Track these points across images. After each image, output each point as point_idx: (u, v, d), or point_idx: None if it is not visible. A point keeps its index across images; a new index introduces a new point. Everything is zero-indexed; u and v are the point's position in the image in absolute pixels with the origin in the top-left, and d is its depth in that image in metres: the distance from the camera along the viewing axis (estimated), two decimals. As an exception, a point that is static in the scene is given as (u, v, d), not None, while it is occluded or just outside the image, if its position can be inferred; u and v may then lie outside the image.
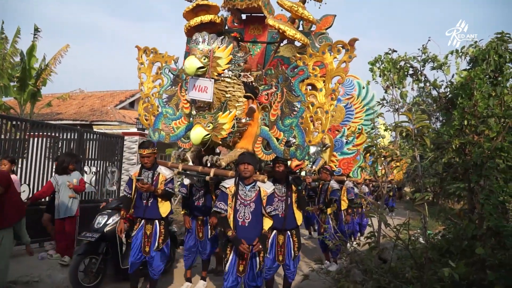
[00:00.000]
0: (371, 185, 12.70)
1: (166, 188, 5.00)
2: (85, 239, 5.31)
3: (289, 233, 5.18)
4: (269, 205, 4.25)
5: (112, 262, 5.49)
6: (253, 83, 4.79)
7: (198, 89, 4.25)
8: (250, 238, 4.10)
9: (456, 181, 4.01)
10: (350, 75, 9.51)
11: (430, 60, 4.07)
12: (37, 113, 17.76)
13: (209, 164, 4.64)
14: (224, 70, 4.29)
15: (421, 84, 4.26)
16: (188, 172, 5.04)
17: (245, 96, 4.60)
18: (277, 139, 4.52)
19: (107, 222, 5.49)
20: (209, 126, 4.29)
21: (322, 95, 4.29)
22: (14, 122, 8.08)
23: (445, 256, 3.37)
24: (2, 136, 7.62)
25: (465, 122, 3.47)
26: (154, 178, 5.01)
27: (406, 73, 4.16)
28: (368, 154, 3.65)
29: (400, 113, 3.68)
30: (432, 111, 5.23)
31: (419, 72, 4.14)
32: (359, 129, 9.01)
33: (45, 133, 8.36)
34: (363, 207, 10.19)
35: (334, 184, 8.02)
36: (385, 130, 4.30)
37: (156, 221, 4.99)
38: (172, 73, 5.27)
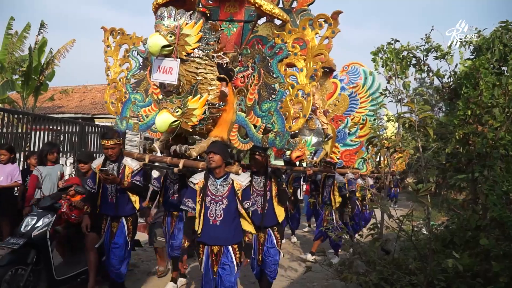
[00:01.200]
0: (372, 177, 12.68)
1: (133, 181, 4.58)
2: (8, 246, 4.22)
3: (270, 230, 4.72)
4: (246, 200, 3.81)
5: (44, 273, 4.45)
6: (228, 65, 4.31)
7: (163, 70, 3.87)
8: (223, 238, 3.70)
9: (459, 172, 3.98)
10: (355, 62, 9.25)
11: (433, 49, 4.03)
12: (39, 107, 17.80)
13: (186, 153, 4.21)
14: (193, 49, 3.90)
15: (424, 75, 4.22)
16: (156, 164, 4.63)
17: (218, 79, 4.13)
18: (255, 126, 4.10)
19: (36, 225, 4.46)
20: (177, 112, 3.86)
21: (303, 76, 3.85)
22: (16, 116, 8.09)
23: (448, 247, 3.36)
24: (5, 130, 7.64)
25: (469, 112, 3.44)
26: (120, 171, 4.60)
27: (409, 63, 4.12)
28: (371, 145, 3.63)
29: (403, 103, 3.65)
30: (434, 101, 5.20)
31: (422, 62, 4.10)
32: (363, 119, 8.72)
33: (47, 127, 8.37)
34: (366, 199, 10.10)
35: (339, 178, 7.98)
36: (388, 120, 4.26)
37: (123, 218, 4.61)
38: (140, 56, 4.81)
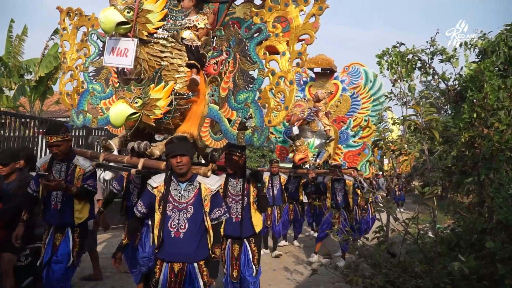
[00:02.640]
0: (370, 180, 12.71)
1: (85, 185, 3.89)
2: None
3: (246, 242, 4.16)
4: (216, 208, 3.25)
5: None
6: (200, 49, 3.68)
7: (117, 52, 3.31)
8: (187, 254, 3.09)
9: (465, 175, 3.98)
10: (356, 63, 9.21)
11: (438, 52, 4.04)
12: (46, 111, 17.92)
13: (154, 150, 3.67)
14: (157, 28, 3.36)
15: (429, 77, 4.23)
16: (110, 164, 3.99)
17: (188, 65, 3.57)
18: (229, 120, 3.51)
19: None
20: (136, 102, 3.29)
21: (285, 61, 3.30)
22: (23, 120, 8.16)
23: (454, 250, 3.35)
24: (12, 134, 7.71)
25: (474, 115, 3.44)
26: (69, 172, 3.90)
27: (414, 66, 4.13)
28: (376, 148, 3.63)
29: (408, 106, 3.66)
30: (440, 104, 5.20)
31: (427, 65, 4.11)
32: (365, 120, 8.73)
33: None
34: (369, 202, 10.08)
35: (350, 179, 7.97)
36: (394, 123, 4.27)
37: (69, 228, 3.89)
38: (101, 40, 4.13)
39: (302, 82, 9.53)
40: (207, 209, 3.21)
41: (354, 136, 8.84)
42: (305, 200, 12.58)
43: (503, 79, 3.49)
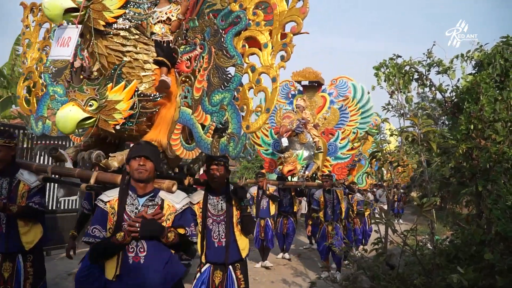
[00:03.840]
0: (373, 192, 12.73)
1: (30, 203, 3.33)
2: None
3: (231, 269, 3.51)
4: (187, 227, 2.71)
5: None
6: (171, 44, 3.25)
7: (61, 43, 2.82)
8: (149, 282, 2.54)
9: (463, 186, 3.98)
10: (343, 76, 9.34)
11: (435, 64, 4.07)
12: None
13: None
14: (116, 18, 2.83)
15: (426, 89, 4.25)
16: (60, 178, 3.40)
17: (156, 63, 3.11)
18: (203, 126, 3.00)
19: None
20: (90, 105, 2.76)
21: (267, 54, 2.81)
22: (21, 131, 8.15)
23: (453, 262, 3.34)
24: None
25: (472, 127, 3.46)
26: (12, 188, 3.34)
27: (411, 77, 4.15)
28: (374, 160, 3.64)
29: (406, 118, 3.67)
30: (437, 115, 5.23)
31: (424, 77, 4.13)
32: (353, 132, 8.72)
33: (51, 141, 8.42)
34: (366, 214, 10.13)
35: (358, 195, 7.98)
36: (391, 135, 4.28)
37: (20, 255, 3.36)
38: None
39: (290, 95, 9.62)
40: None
41: (351, 148, 8.81)
42: (304, 211, 12.56)
43: (499, 91, 3.51)
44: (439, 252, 3.35)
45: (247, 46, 2.95)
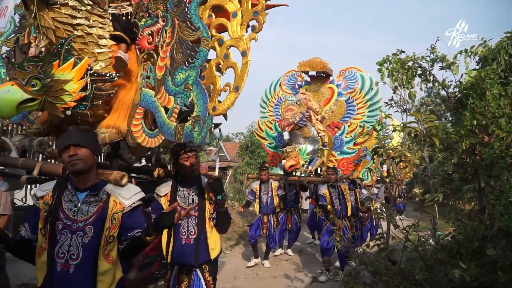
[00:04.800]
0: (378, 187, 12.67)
1: None
2: None
3: (198, 271, 3.16)
4: (135, 229, 2.28)
5: None
6: (130, 17, 2.93)
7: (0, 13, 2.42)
8: None
9: (465, 182, 3.97)
10: (353, 67, 8.91)
11: (438, 60, 4.04)
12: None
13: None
14: None
15: (430, 84, 4.23)
16: (6, 170, 3.00)
17: (113, 38, 2.78)
18: (166, 109, 2.68)
19: None
20: (33, 85, 2.36)
21: (236, 24, 2.51)
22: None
23: (455, 258, 3.34)
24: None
25: (475, 123, 3.44)
26: None
27: (414, 73, 4.13)
28: (377, 156, 3.63)
29: (409, 113, 3.66)
30: (441, 111, 5.20)
31: (428, 72, 4.12)
32: (360, 126, 8.38)
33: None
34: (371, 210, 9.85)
35: (363, 191, 7.72)
36: (394, 131, 4.26)
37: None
38: (18, 13, 3.33)
39: (297, 86, 9.26)
40: (113, 232, 2.21)
41: (347, 141, 8.49)
42: (306, 207, 12.52)
43: (503, 86, 3.49)
44: (441, 248, 3.35)
45: (213, 16, 2.67)
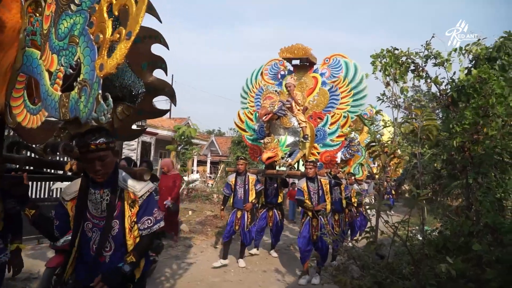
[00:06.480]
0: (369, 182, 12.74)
1: None
2: None
3: None
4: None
5: None
6: None
7: None
8: None
9: (454, 178, 4.02)
10: (337, 54, 8.24)
11: (432, 56, 4.07)
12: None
13: None
14: None
15: (422, 81, 4.25)
16: None
17: None
18: (50, 73, 2.04)
19: None
20: None
21: None
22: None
23: (441, 253, 3.39)
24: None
25: (480, 121, 3.45)
26: None
27: (407, 68, 4.15)
28: (370, 151, 3.64)
29: (408, 110, 3.67)
30: (432, 108, 5.24)
31: (421, 68, 4.14)
32: (344, 117, 7.73)
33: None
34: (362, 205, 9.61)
35: (355, 186, 7.38)
36: (385, 126, 4.28)
37: None
38: None
39: (279, 76, 8.71)
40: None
41: (330, 133, 7.84)
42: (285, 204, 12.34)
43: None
44: (428, 243, 3.40)
45: None
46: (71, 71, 1.97)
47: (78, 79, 1.87)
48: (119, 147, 9.66)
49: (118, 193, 2.42)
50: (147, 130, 17.75)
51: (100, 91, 1.75)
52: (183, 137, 14.45)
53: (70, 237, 2.41)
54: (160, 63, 2.50)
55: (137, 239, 2.49)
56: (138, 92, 2.48)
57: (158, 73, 2.57)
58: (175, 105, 2.97)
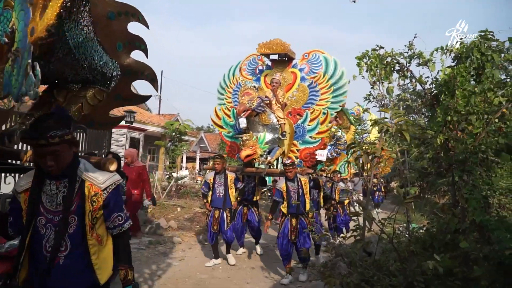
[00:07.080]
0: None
1: None
2: None
3: None
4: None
5: None
6: None
7: None
8: None
9: (440, 176, 4.07)
10: (316, 50, 8.15)
11: (416, 56, 4.12)
12: (25, 104, 17.49)
13: None
14: None
15: (407, 81, 4.30)
16: None
17: None
18: None
19: None
20: None
21: None
22: None
23: (428, 250, 3.44)
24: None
25: (449, 118, 3.52)
26: None
27: (392, 68, 4.20)
28: (352, 151, 3.67)
29: (380, 109, 3.71)
30: (418, 107, 5.29)
31: (405, 68, 4.19)
32: (324, 113, 7.57)
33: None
34: (345, 203, 9.55)
35: (340, 184, 7.31)
36: (371, 125, 4.32)
37: None
38: None
39: (257, 71, 8.55)
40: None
41: (310, 130, 7.65)
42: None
43: (477, 84, 3.58)
44: (415, 240, 3.45)
45: None
46: (6, 40, 1.72)
47: (12, 49, 1.64)
48: (107, 143, 9.67)
49: (78, 184, 2.15)
50: (135, 126, 17.64)
51: (29, 61, 1.52)
52: (174, 134, 14.38)
53: (16, 242, 2.15)
54: (139, 43, 2.34)
55: (103, 238, 2.24)
56: (112, 75, 2.27)
57: (139, 57, 2.37)
58: (156, 91, 2.81)
